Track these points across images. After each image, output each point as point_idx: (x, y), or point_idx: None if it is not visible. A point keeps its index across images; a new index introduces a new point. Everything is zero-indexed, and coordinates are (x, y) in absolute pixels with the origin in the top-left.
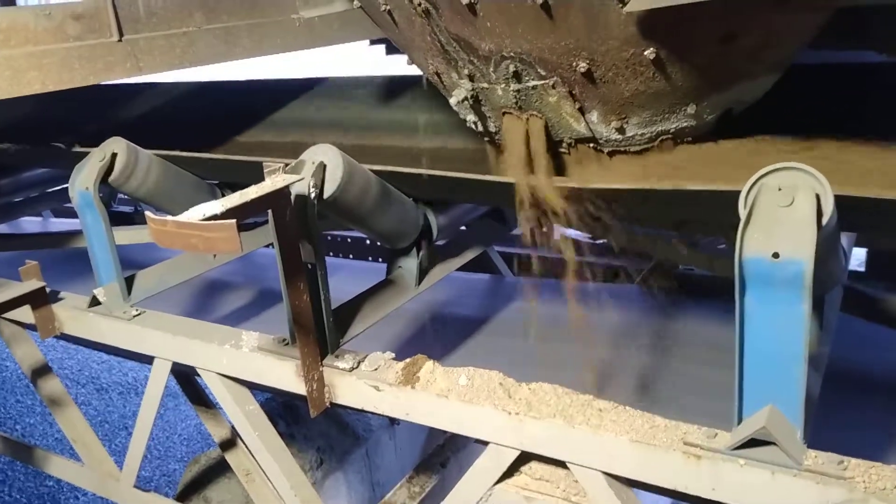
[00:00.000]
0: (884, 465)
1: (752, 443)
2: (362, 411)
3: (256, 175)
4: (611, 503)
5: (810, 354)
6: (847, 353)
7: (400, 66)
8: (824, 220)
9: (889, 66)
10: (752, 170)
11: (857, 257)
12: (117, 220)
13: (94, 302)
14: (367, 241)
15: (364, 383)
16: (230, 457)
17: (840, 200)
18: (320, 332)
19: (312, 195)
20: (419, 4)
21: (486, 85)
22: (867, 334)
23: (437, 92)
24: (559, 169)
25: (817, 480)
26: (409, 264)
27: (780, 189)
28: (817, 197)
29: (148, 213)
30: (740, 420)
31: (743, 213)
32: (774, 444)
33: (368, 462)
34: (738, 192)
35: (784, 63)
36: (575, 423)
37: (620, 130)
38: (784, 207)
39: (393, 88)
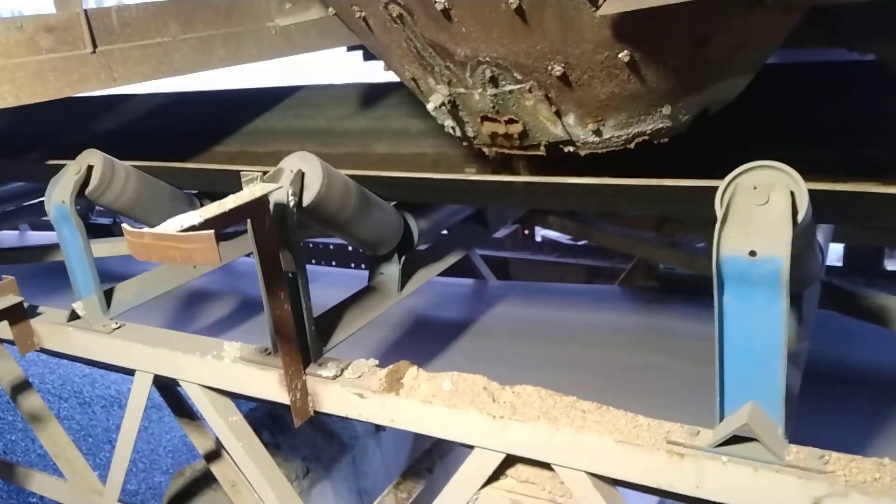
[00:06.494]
0: (864, 458)
1: (735, 440)
2: (347, 419)
3: (235, 184)
4: (596, 503)
5: (790, 351)
6: (826, 348)
7: (377, 72)
8: (799, 217)
9: (860, 64)
10: (728, 168)
11: (835, 252)
12: (95, 232)
13: (74, 316)
14: (349, 249)
15: (348, 391)
16: (215, 468)
17: (815, 196)
18: (302, 341)
19: (291, 203)
20: (394, 11)
21: (462, 90)
22: (846, 329)
23: (415, 98)
24: (537, 172)
25: (799, 475)
26: (391, 270)
27: (755, 187)
28: (792, 194)
29: (125, 226)
30: (722, 417)
31: (719, 211)
32: (756, 440)
33: (355, 469)
34: (714, 189)
35: (758, 63)
36: (559, 425)
37: (597, 133)
38: (759, 206)
39: (371, 95)
